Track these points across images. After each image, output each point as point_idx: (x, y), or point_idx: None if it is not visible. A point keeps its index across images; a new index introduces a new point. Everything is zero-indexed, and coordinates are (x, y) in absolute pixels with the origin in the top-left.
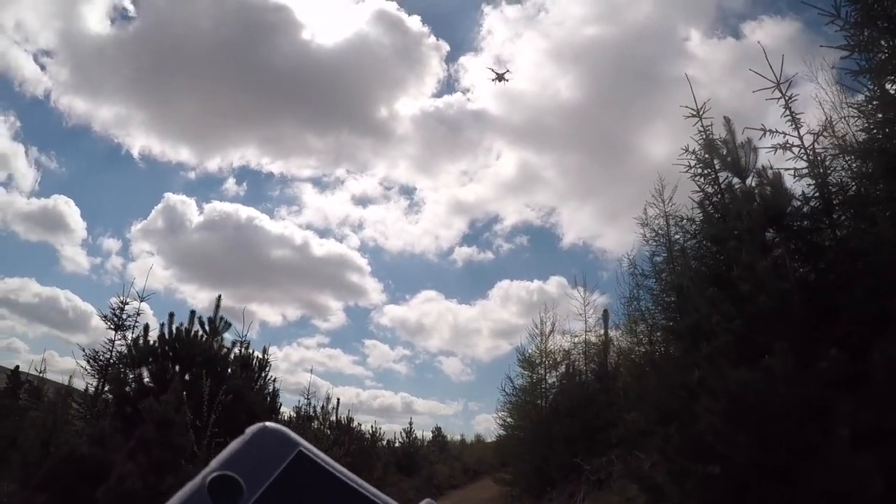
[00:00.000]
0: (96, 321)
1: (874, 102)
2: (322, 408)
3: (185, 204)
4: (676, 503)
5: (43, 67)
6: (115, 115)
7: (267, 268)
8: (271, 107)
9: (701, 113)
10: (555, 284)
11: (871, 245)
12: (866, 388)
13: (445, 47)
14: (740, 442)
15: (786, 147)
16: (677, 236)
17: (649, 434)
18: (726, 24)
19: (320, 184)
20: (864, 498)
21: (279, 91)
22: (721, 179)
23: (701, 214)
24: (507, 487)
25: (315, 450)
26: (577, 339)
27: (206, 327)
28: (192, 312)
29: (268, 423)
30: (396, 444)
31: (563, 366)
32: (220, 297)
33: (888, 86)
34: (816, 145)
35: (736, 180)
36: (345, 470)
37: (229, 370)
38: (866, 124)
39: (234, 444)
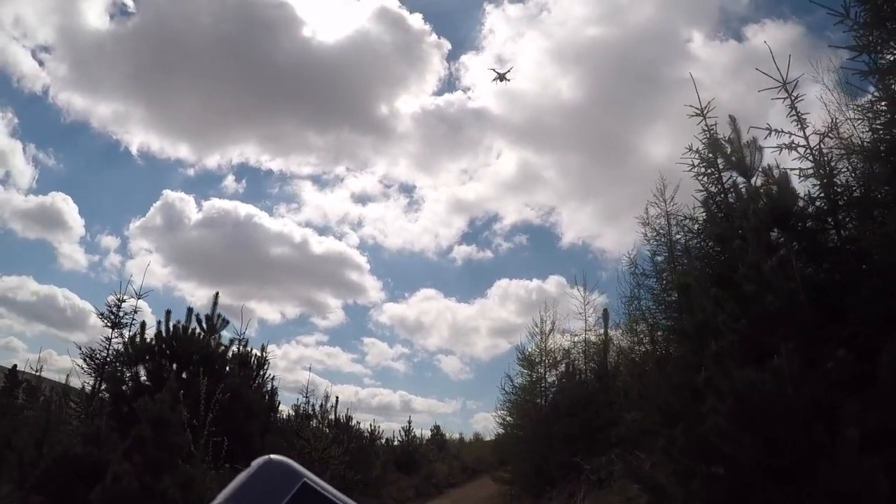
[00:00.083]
0: (94, 319)
1: (882, 104)
2: (321, 406)
3: (184, 201)
4: None
5: (41, 63)
6: (114, 112)
7: (266, 265)
8: (271, 104)
9: (705, 112)
10: (554, 284)
11: (877, 246)
12: (873, 389)
13: (447, 45)
14: (746, 442)
15: (791, 147)
16: (678, 236)
17: (652, 434)
18: (728, 26)
19: (320, 181)
20: (870, 499)
21: (279, 88)
22: (725, 179)
23: (704, 213)
24: (506, 486)
25: (319, 480)
26: (576, 339)
27: (204, 325)
28: (190, 310)
29: (273, 456)
30: (395, 443)
31: (563, 365)
32: (217, 294)
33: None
34: (822, 146)
35: (741, 179)
36: (348, 500)
37: (227, 368)
38: (873, 126)
39: (240, 477)
